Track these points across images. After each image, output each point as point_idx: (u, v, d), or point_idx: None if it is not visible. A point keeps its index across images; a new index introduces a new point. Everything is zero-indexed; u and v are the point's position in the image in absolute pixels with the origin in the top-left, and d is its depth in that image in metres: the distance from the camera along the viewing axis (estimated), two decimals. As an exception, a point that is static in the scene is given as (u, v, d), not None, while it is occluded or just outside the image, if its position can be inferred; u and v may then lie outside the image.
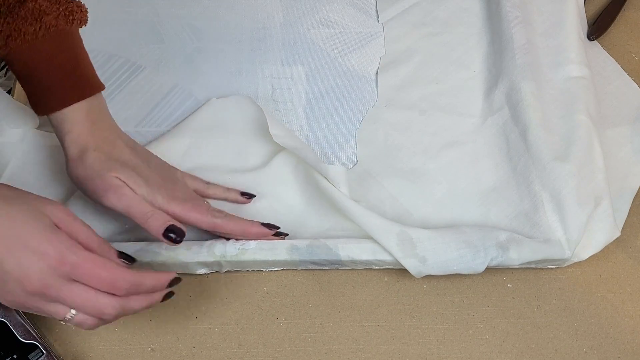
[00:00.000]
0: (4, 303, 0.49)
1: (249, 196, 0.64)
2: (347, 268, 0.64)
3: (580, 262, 0.64)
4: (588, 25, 0.78)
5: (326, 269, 0.64)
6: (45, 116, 0.58)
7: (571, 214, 0.63)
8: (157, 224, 0.56)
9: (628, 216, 0.67)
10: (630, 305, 0.64)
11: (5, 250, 0.46)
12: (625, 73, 0.75)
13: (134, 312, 0.51)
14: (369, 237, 0.62)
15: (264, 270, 0.64)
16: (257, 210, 0.65)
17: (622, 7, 0.79)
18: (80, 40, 0.59)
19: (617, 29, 0.78)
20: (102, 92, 0.60)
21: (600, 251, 0.64)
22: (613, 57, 0.76)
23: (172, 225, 0.56)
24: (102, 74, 0.72)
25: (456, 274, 0.63)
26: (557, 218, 0.63)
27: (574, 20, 0.74)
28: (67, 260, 0.47)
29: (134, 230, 0.63)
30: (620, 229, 0.65)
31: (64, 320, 0.49)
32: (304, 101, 0.72)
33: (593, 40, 0.77)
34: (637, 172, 0.69)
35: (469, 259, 0.60)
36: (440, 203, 0.67)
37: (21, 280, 0.46)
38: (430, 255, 0.60)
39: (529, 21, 0.74)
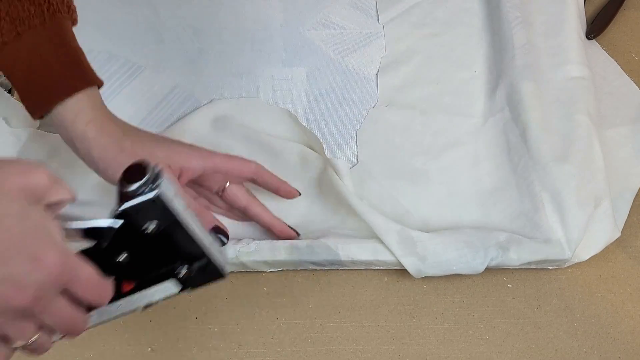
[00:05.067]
0: None
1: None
2: (347, 268, 0.64)
3: (580, 262, 0.64)
4: (587, 24, 0.78)
5: (326, 269, 0.64)
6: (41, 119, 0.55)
7: (571, 215, 0.63)
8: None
9: (628, 216, 0.67)
10: (630, 305, 0.64)
11: None
12: (624, 73, 0.75)
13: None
14: (369, 237, 0.62)
15: (263, 270, 0.64)
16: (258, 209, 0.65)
17: (621, 6, 0.79)
18: (73, 36, 0.56)
19: (617, 29, 0.78)
20: (104, 92, 0.59)
21: (601, 251, 0.64)
22: (613, 57, 0.76)
23: (216, 227, 0.56)
24: (102, 74, 0.72)
25: (456, 274, 0.63)
26: (557, 218, 0.63)
27: (574, 20, 0.74)
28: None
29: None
30: (621, 229, 0.65)
31: (19, 344, 0.39)
32: (304, 102, 0.72)
33: (592, 40, 0.77)
34: (637, 172, 0.69)
35: (469, 259, 0.60)
36: (440, 203, 0.67)
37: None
38: (430, 254, 0.60)
39: (529, 21, 0.74)
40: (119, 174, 0.43)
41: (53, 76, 0.53)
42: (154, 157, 0.54)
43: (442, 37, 0.77)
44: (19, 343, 0.39)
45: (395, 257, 0.61)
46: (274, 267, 0.63)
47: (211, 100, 0.71)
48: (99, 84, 0.56)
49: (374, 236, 0.63)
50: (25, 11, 0.53)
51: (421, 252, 0.60)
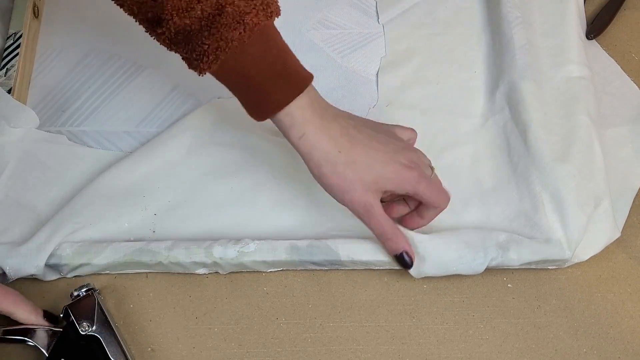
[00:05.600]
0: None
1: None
2: (347, 268, 0.64)
3: (580, 262, 0.64)
4: (587, 24, 0.77)
5: (326, 269, 0.64)
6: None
7: (571, 215, 0.63)
8: (393, 247, 0.60)
9: (628, 216, 0.67)
10: (630, 305, 0.64)
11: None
12: (625, 73, 0.75)
13: None
14: (369, 237, 0.62)
15: (263, 271, 0.64)
16: (260, 208, 0.65)
17: (621, 6, 0.79)
18: (279, 33, 0.57)
19: (617, 29, 0.78)
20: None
21: (601, 251, 0.64)
22: (613, 57, 0.76)
23: (405, 253, 0.60)
24: (102, 74, 0.73)
25: (456, 274, 0.63)
26: (557, 218, 0.63)
27: (575, 20, 0.74)
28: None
29: (134, 229, 0.63)
30: (621, 229, 0.65)
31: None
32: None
33: (592, 40, 0.77)
34: (637, 172, 0.69)
35: (469, 259, 0.60)
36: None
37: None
38: (430, 255, 0.60)
39: (529, 21, 0.73)
40: (331, 190, 0.57)
41: (264, 90, 0.55)
42: (363, 183, 0.57)
43: (442, 37, 0.77)
44: None
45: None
46: (274, 267, 0.63)
47: (209, 100, 0.71)
48: (307, 83, 0.56)
49: (374, 236, 0.63)
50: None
51: (421, 253, 0.60)
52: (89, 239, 0.62)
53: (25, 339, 0.58)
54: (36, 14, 0.74)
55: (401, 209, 0.63)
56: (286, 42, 0.75)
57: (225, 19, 0.52)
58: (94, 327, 0.58)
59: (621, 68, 0.75)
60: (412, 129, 0.64)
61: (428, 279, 0.63)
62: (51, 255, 0.60)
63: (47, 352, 0.57)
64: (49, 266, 0.60)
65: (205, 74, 0.55)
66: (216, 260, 0.61)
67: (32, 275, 0.60)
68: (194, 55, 0.54)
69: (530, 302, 0.64)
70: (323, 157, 0.56)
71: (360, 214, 0.58)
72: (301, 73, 0.56)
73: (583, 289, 0.64)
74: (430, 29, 0.77)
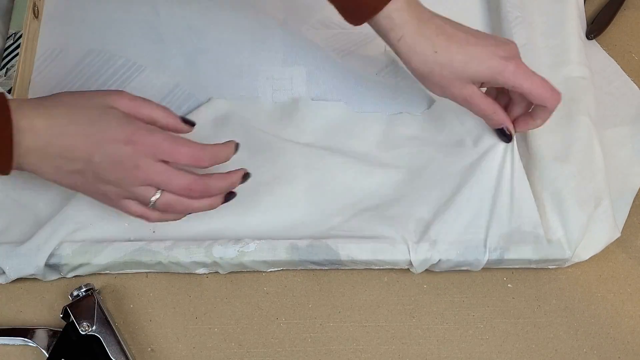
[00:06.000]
0: (98, 198, 0.56)
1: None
2: (347, 268, 0.64)
3: (580, 262, 0.64)
4: (587, 24, 0.77)
5: (326, 269, 0.64)
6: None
7: (571, 214, 0.63)
8: (493, 123, 0.64)
9: (628, 216, 0.67)
10: (630, 305, 0.64)
11: (92, 146, 0.52)
12: (624, 73, 0.75)
13: (198, 208, 0.57)
14: (369, 237, 0.62)
15: (263, 270, 0.64)
16: (260, 208, 0.65)
17: (621, 6, 0.79)
18: None
19: (617, 29, 0.78)
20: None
21: (601, 251, 0.64)
22: (613, 57, 0.76)
23: (506, 128, 0.63)
24: (102, 74, 0.73)
25: (456, 274, 0.63)
26: (557, 218, 0.63)
27: (575, 20, 0.74)
28: (147, 142, 0.52)
29: (134, 229, 0.63)
30: (621, 229, 0.65)
31: (150, 203, 0.54)
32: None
33: (592, 40, 0.77)
34: (637, 172, 0.69)
35: (469, 258, 0.61)
36: (442, 203, 0.67)
37: (114, 166, 0.52)
38: (441, 237, 0.62)
39: (529, 21, 0.73)
40: (431, 88, 0.61)
41: None
42: (460, 79, 0.59)
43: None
44: (146, 203, 0.54)
45: (407, 245, 0.62)
46: (274, 267, 0.63)
47: (209, 99, 0.71)
48: None
49: (374, 236, 0.63)
50: None
51: (433, 237, 0.62)
52: (89, 239, 0.62)
53: (25, 339, 0.58)
54: (36, 14, 0.74)
55: (516, 110, 0.64)
56: (286, 41, 0.76)
57: None
58: (94, 327, 0.58)
59: (621, 68, 0.75)
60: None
61: (428, 279, 0.64)
62: (51, 255, 0.60)
63: (47, 352, 0.57)
64: (49, 266, 0.60)
65: None
66: (216, 260, 0.61)
67: (32, 275, 0.60)
68: None
69: (530, 302, 0.64)
70: (421, 59, 0.59)
71: (461, 104, 0.62)
72: None
73: (583, 289, 0.65)
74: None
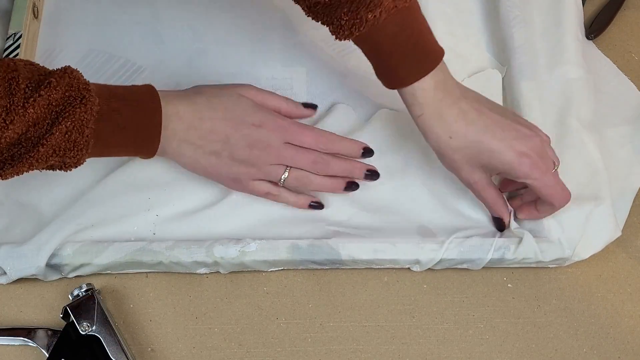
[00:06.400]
0: (228, 183, 0.62)
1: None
2: (348, 267, 0.64)
3: (580, 262, 0.64)
4: (587, 24, 0.77)
5: (326, 269, 0.64)
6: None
7: (570, 214, 0.63)
8: (493, 213, 0.64)
9: (628, 216, 0.67)
10: (630, 305, 0.64)
11: (229, 129, 0.59)
12: (622, 73, 0.75)
13: (321, 185, 0.63)
14: (369, 237, 0.63)
15: (264, 270, 0.64)
16: (261, 208, 0.65)
17: (621, 6, 0.79)
18: (419, 11, 0.59)
19: (617, 29, 0.78)
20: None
21: (601, 251, 0.64)
22: (612, 57, 0.76)
23: (502, 219, 0.64)
24: (102, 75, 0.73)
25: (456, 274, 0.63)
26: (556, 217, 0.63)
27: (573, 20, 0.74)
28: (276, 125, 0.60)
29: (135, 230, 0.63)
30: (621, 229, 0.65)
31: (280, 179, 0.61)
32: (304, 102, 0.72)
33: (592, 40, 0.77)
34: (637, 172, 0.69)
35: (471, 256, 0.61)
36: (441, 204, 0.67)
37: (249, 146, 0.59)
38: (445, 235, 0.63)
39: (528, 21, 0.73)
40: (443, 165, 0.63)
41: (392, 65, 0.59)
42: (470, 165, 0.61)
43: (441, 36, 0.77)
44: (276, 180, 0.61)
45: (410, 244, 0.62)
46: (274, 267, 0.63)
47: None
48: (434, 66, 0.59)
49: (375, 235, 0.63)
50: None
51: (437, 235, 0.64)
52: (90, 239, 0.62)
53: (25, 339, 0.58)
54: (36, 14, 0.74)
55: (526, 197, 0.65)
56: (286, 41, 0.75)
57: (365, 0, 0.55)
58: (94, 327, 0.58)
59: (621, 68, 0.75)
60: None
61: (428, 279, 0.64)
62: (52, 255, 0.60)
63: (47, 352, 0.57)
64: (50, 266, 0.60)
65: (342, 41, 0.60)
66: (217, 260, 0.61)
67: (33, 275, 0.60)
68: (331, 27, 0.59)
69: (530, 302, 0.64)
70: (435, 139, 0.61)
71: (468, 187, 0.63)
72: (430, 55, 0.59)
73: (583, 289, 0.65)
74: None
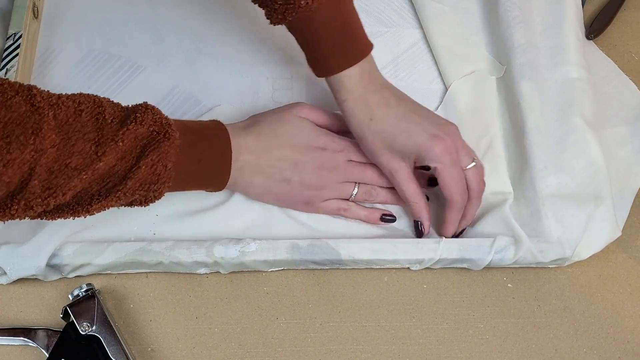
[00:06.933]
0: (300, 207, 0.64)
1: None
2: (348, 267, 0.64)
3: (580, 262, 0.64)
4: (587, 24, 0.77)
5: (326, 269, 0.64)
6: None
7: (570, 214, 0.63)
8: (413, 212, 0.64)
9: (628, 216, 0.67)
10: (630, 305, 0.64)
11: (297, 154, 0.61)
12: (622, 73, 0.75)
13: (387, 197, 0.65)
14: (370, 237, 0.63)
15: (264, 270, 0.64)
16: (260, 209, 0.65)
17: (621, 6, 0.79)
18: (352, 3, 0.61)
19: (617, 29, 0.78)
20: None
21: (601, 251, 0.64)
22: (613, 57, 0.76)
23: (420, 223, 0.64)
24: (102, 74, 0.73)
25: (456, 274, 0.63)
26: (556, 218, 0.63)
27: (573, 20, 0.74)
28: (340, 146, 0.63)
29: (136, 230, 0.63)
30: (621, 229, 0.65)
31: (351, 195, 0.64)
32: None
33: (592, 40, 0.77)
34: (637, 172, 0.69)
35: (472, 256, 0.61)
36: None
37: (319, 168, 0.62)
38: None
39: (528, 21, 0.73)
40: (365, 151, 0.64)
41: (322, 54, 0.61)
42: (390, 150, 0.62)
43: (440, 37, 0.77)
44: (346, 197, 0.64)
45: (410, 243, 0.62)
46: (274, 267, 0.63)
47: (214, 107, 0.71)
48: (362, 56, 0.61)
49: (375, 235, 0.63)
50: None
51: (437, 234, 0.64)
52: (90, 239, 0.62)
53: (25, 339, 0.58)
54: (36, 14, 0.74)
55: None
56: (286, 40, 0.75)
57: None
58: (94, 327, 0.58)
59: (621, 68, 0.75)
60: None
61: (428, 278, 0.64)
62: (53, 255, 0.60)
63: (47, 352, 0.57)
64: (50, 266, 0.60)
65: (275, 25, 0.61)
66: (217, 260, 0.61)
67: (33, 275, 0.60)
68: (267, 10, 0.60)
69: (530, 302, 0.64)
70: (357, 123, 0.62)
71: (387, 177, 0.64)
72: (359, 46, 0.61)
73: (583, 289, 0.65)
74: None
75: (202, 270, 0.63)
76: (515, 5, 0.74)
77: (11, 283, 0.61)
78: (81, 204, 0.51)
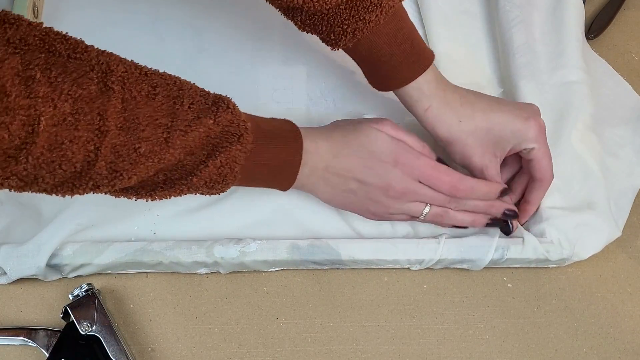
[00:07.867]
0: (367, 216, 0.62)
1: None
2: (348, 267, 0.64)
3: (580, 262, 0.64)
4: (587, 24, 0.77)
5: (326, 269, 0.64)
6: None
7: (569, 214, 0.63)
8: (495, 212, 0.62)
9: (628, 216, 0.67)
10: (630, 305, 0.64)
11: (365, 168, 0.58)
12: (617, 73, 0.75)
13: (462, 221, 0.62)
14: (370, 237, 0.63)
15: (264, 270, 0.64)
16: (261, 208, 0.65)
17: (621, 6, 0.79)
18: (407, 13, 0.60)
19: (617, 29, 0.78)
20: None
21: (601, 251, 0.64)
22: (613, 57, 0.76)
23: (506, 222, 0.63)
24: (102, 74, 0.72)
25: (456, 274, 0.63)
26: (555, 218, 0.63)
27: (574, 21, 0.73)
28: (413, 165, 0.58)
29: (136, 230, 0.63)
30: (621, 229, 0.65)
31: (419, 217, 0.61)
32: (304, 101, 0.72)
33: (592, 40, 0.77)
34: (637, 172, 0.69)
35: (472, 257, 0.61)
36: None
37: (385, 188, 0.58)
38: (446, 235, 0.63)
39: (528, 21, 0.73)
40: (454, 156, 0.62)
41: (394, 66, 0.59)
42: (482, 146, 0.61)
43: (440, 39, 0.77)
44: (415, 216, 0.61)
45: (409, 244, 0.63)
46: (274, 267, 0.63)
47: None
48: (432, 60, 0.60)
49: (375, 236, 0.63)
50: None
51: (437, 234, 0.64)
52: (90, 239, 0.62)
53: (25, 339, 0.58)
54: (36, 14, 0.74)
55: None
56: (286, 40, 0.75)
57: (365, 2, 0.56)
58: (94, 327, 0.58)
59: (621, 68, 0.75)
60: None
61: (428, 278, 0.64)
62: (53, 255, 0.60)
63: (47, 352, 0.57)
64: (50, 266, 0.60)
65: (339, 49, 0.60)
66: (217, 260, 0.61)
67: (33, 275, 0.60)
68: (332, 36, 0.59)
69: (530, 302, 0.64)
70: (446, 128, 0.61)
71: (478, 176, 0.62)
72: (426, 50, 0.60)
73: (583, 289, 0.65)
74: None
75: (202, 270, 0.63)
76: (516, 5, 0.74)
77: (11, 283, 0.61)
78: (145, 189, 0.51)
